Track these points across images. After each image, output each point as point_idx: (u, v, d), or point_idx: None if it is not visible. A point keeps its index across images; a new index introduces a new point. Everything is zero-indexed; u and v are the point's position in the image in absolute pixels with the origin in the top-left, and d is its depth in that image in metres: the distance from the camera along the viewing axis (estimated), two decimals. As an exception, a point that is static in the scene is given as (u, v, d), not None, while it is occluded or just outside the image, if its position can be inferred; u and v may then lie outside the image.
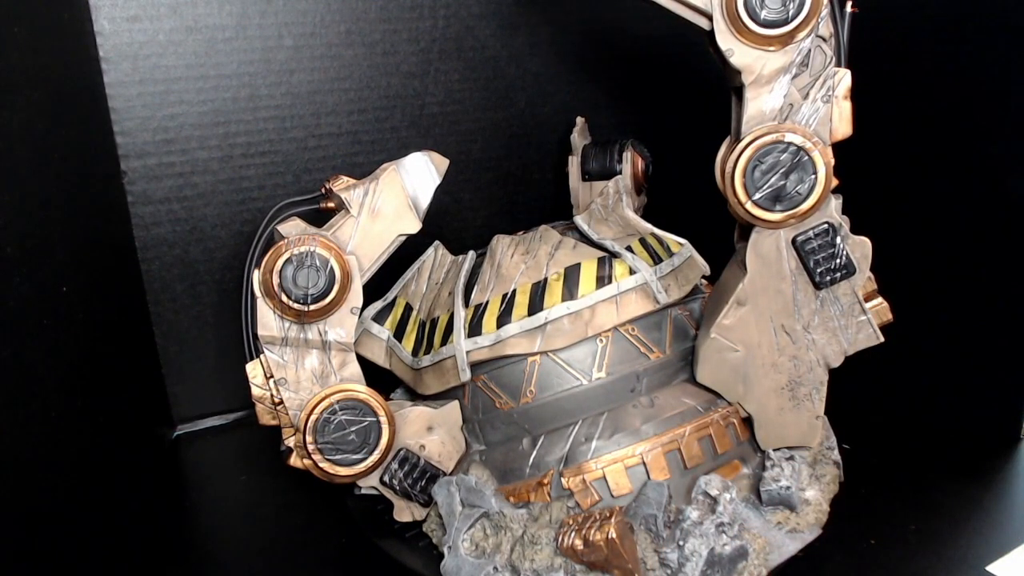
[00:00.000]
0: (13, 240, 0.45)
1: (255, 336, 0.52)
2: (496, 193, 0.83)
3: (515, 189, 0.83)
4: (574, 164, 0.70)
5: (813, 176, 0.48)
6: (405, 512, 0.56)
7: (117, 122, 0.68)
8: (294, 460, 0.53)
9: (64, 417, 0.50)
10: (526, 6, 0.80)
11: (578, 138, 0.72)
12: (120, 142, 0.68)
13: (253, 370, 0.53)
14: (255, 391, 0.53)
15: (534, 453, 0.53)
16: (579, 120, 0.73)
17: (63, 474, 0.49)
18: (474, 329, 0.54)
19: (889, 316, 0.51)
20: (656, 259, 0.55)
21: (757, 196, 0.49)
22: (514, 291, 0.54)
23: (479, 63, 0.79)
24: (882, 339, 0.51)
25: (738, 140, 0.49)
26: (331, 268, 0.51)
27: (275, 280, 0.51)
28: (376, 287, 0.57)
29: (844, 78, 0.48)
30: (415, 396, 0.60)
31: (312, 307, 0.51)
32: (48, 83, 0.53)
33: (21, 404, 0.45)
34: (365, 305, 0.55)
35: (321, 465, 0.53)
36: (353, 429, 0.53)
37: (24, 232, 0.46)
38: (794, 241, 0.50)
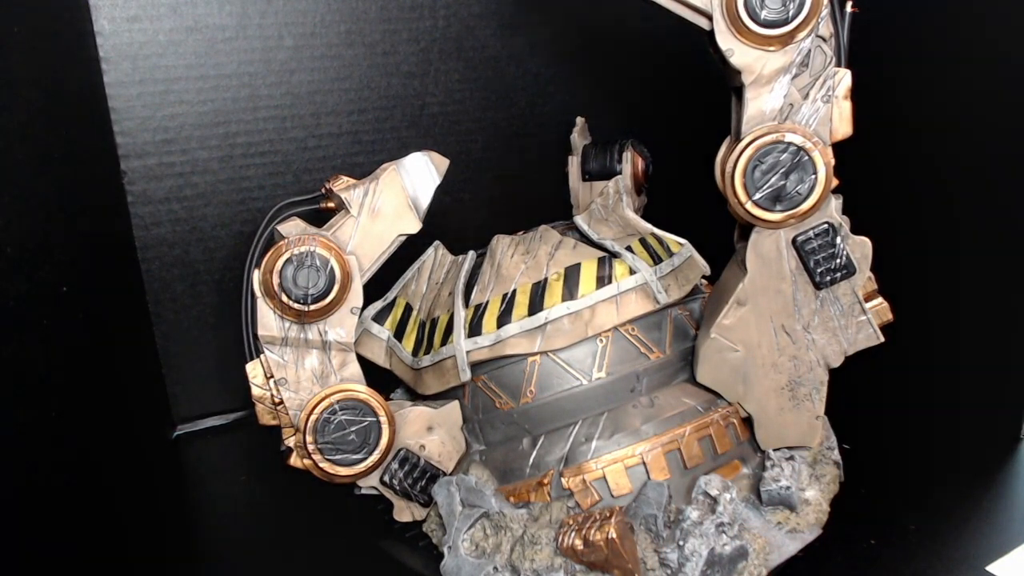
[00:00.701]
0: (13, 240, 0.45)
1: (255, 336, 0.52)
2: (496, 193, 0.83)
3: (515, 189, 0.83)
4: (574, 164, 0.70)
5: (813, 176, 0.48)
6: (405, 512, 0.56)
7: (117, 122, 0.68)
8: (294, 460, 0.53)
9: (64, 417, 0.50)
10: (526, 6, 0.80)
11: (578, 138, 0.72)
12: (120, 142, 0.68)
13: (253, 370, 0.53)
14: (255, 391, 0.53)
15: (534, 453, 0.53)
16: (579, 120, 0.73)
17: (63, 474, 0.49)
18: (474, 329, 0.54)
19: (889, 316, 0.51)
20: (656, 259, 0.55)
21: (757, 196, 0.49)
22: (514, 291, 0.54)
23: (479, 63, 0.79)
24: (882, 339, 0.51)
25: (738, 140, 0.49)
26: (331, 268, 0.51)
27: (275, 280, 0.51)
28: (376, 287, 0.57)
29: (844, 78, 0.48)
30: (415, 396, 0.60)
31: (312, 307, 0.51)
32: (48, 83, 0.53)
33: (21, 404, 0.45)
34: (365, 305, 0.55)
35: (321, 465, 0.53)
36: (353, 429, 0.53)
37: (24, 232, 0.46)
38: (794, 241, 0.50)
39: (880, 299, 0.51)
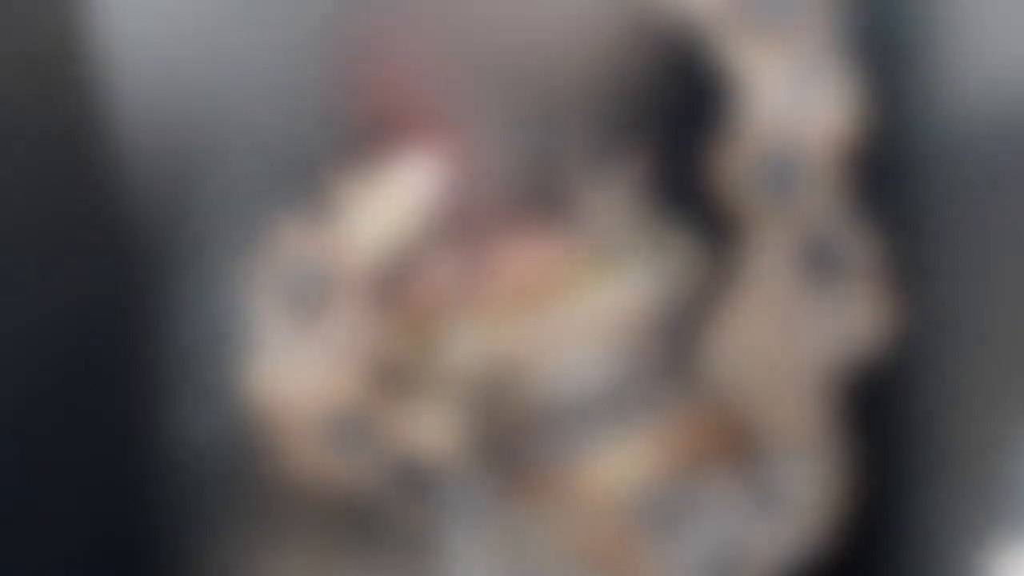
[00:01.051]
0: (9, 239, 0.45)
1: (255, 336, 0.52)
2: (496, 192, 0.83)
3: (514, 188, 0.83)
4: (573, 163, 0.70)
5: (813, 176, 0.48)
6: (405, 512, 0.56)
7: (117, 121, 0.68)
8: (293, 462, 0.53)
9: (62, 418, 0.50)
10: (526, 5, 0.80)
11: (578, 137, 0.71)
12: (120, 142, 0.68)
13: (254, 369, 0.53)
14: (256, 391, 0.53)
15: (534, 454, 0.53)
16: (578, 119, 0.73)
17: (60, 476, 0.49)
18: (473, 329, 0.54)
19: (890, 316, 0.52)
20: (656, 259, 0.55)
21: (756, 196, 0.49)
22: (514, 291, 0.54)
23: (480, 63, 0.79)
24: (883, 339, 0.51)
25: (738, 140, 0.49)
26: (331, 268, 0.51)
27: (275, 280, 0.51)
28: (375, 287, 0.57)
29: (844, 78, 0.48)
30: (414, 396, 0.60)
31: (312, 307, 0.51)
32: (47, 82, 0.53)
33: (19, 404, 0.45)
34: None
35: (321, 467, 0.53)
36: (353, 429, 0.53)
37: (21, 231, 0.46)
38: (795, 241, 0.50)
39: (882, 299, 0.52)
